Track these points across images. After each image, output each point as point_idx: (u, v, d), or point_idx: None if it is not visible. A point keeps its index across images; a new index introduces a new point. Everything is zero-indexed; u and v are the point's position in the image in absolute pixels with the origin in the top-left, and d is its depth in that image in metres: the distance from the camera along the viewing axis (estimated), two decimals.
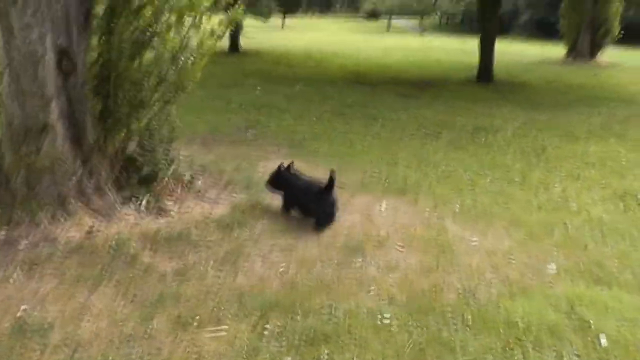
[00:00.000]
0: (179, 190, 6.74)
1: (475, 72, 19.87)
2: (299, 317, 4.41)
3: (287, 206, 6.49)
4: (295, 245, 5.65)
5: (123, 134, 6.18)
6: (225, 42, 26.08)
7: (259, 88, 14.82)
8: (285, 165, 6.61)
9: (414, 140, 10.45)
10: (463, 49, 30.46)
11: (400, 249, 5.67)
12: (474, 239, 5.97)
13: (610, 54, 29.25)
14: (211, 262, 5.24)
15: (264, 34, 39.68)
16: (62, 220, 5.73)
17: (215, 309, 4.47)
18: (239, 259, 5.33)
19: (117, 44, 5.84)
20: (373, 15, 63.42)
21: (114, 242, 5.46)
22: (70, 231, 5.62)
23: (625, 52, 30.70)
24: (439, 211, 6.71)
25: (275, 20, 51.59)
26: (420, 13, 56.10)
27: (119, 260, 5.19)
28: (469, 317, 4.48)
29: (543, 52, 30.97)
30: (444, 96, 16.10)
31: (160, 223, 5.98)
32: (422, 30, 51.58)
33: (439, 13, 57.09)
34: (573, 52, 29.25)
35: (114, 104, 5.97)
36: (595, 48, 28.93)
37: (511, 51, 26.44)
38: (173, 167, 6.81)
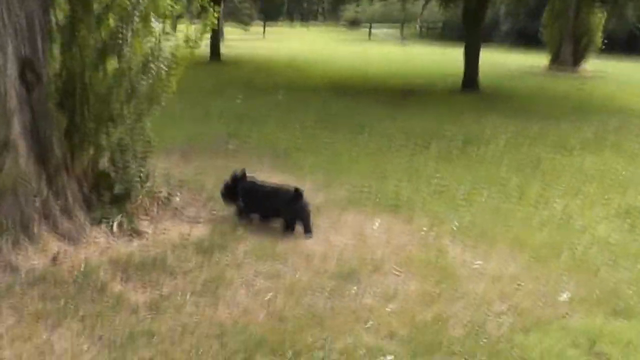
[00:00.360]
0: (155, 209, 6.24)
1: (459, 80, 19.50)
2: (289, 358, 3.90)
3: (247, 212, 6.29)
4: (282, 270, 5.16)
5: (92, 151, 5.65)
6: (206, 50, 25.61)
7: (239, 97, 14.27)
8: (239, 172, 6.46)
9: (402, 151, 9.98)
10: (445, 58, 30.13)
11: (398, 274, 5.19)
12: (477, 262, 5.50)
13: (594, 64, 29.05)
14: (189, 292, 4.72)
15: (246, 42, 39.25)
16: (24, 246, 5.19)
17: (193, 349, 3.95)
18: (220, 288, 4.82)
19: (79, 53, 5.30)
20: (354, 24, 63.23)
21: (81, 270, 4.94)
22: (33, 258, 5.09)
23: (609, 63, 30.45)
24: (436, 230, 6.25)
25: (257, 28, 51.24)
26: (401, 22, 55.88)
27: (86, 291, 4.66)
28: (483, 358, 3.98)
29: (525, 61, 30.67)
30: (430, 105, 15.70)
31: (134, 246, 5.47)
32: (404, 40, 51.38)
33: (419, 22, 56.93)
34: (556, 61, 29.05)
35: (80, 118, 5.46)
36: (578, 58, 28.77)
37: (493, 60, 26.01)
38: (148, 184, 6.30)
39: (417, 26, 57.04)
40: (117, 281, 4.84)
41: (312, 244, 5.71)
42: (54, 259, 5.12)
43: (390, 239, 5.94)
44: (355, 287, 4.90)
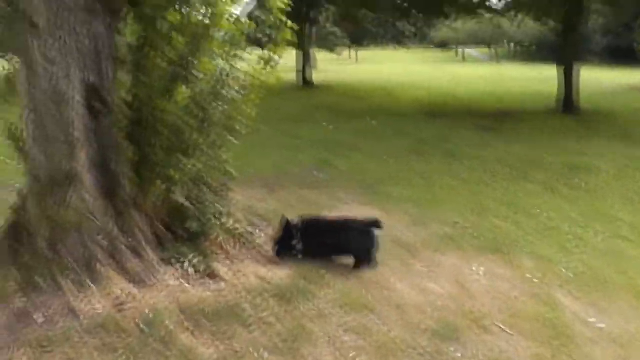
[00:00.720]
0: (233, 248, 5.72)
1: (555, 102, 18.46)
2: None
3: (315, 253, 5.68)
4: (371, 324, 4.53)
5: (163, 185, 5.17)
6: (296, 76, 25.41)
7: (330, 125, 13.77)
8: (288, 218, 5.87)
9: (500, 182, 9.20)
10: (538, 78, 28.92)
11: (504, 331, 4.48)
12: (594, 319, 4.74)
13: None
14: (265, 348, 4.16)
15: (337, 67, 38.95)
16: (88, 287, 4.75)
17: None
18: (301, 342, 4.25)
19: (148, 78, 4.84)
20: (443, 45, 62.47)
21: (147, 317, 4.43)
22: (95, 302, 4.63)
23: None
24: (545, 277, 5.50)
25: (348, 52, 51.03)
26: (490, 42, 54.78)
27: (150, 342, 4.17)
28: None
29: (622, 79, 29.03)
30: (526, 130, 14.75)
31: (207, 291, 4.94)
32: (497, 58, 50.37)
33: (508, 42, 55.67)
34: None
35: (150, 149, 4.97)
36: None
37: (588, 79, 24.75)
38: (226, 220, 5.77)
39: (508, 45, 55.83)
40: (186, 331, 4.33)
41: (405, 293, 5.06)
42: (119, 303, 4.64)
43: (494, 288, 5.24)
44: (454, 349, 4.24)
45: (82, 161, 4.80)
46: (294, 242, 5.61)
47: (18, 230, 5.16)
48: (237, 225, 5.94)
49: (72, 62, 4.74)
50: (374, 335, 4.37)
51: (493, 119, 16.56)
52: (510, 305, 4.88)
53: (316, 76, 27.92)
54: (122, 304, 4.63)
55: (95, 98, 4.85)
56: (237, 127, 5.36)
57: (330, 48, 46.73)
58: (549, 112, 17.95)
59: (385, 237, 6.25)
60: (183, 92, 4.85)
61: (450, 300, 4.94)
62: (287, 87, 25.32)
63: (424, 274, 5.46)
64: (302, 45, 27.35)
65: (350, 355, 4.12)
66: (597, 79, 28.03)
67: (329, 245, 5.66)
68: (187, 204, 5.43)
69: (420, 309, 4.75)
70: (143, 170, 5.04)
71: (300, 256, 5.57)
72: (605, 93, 23.79)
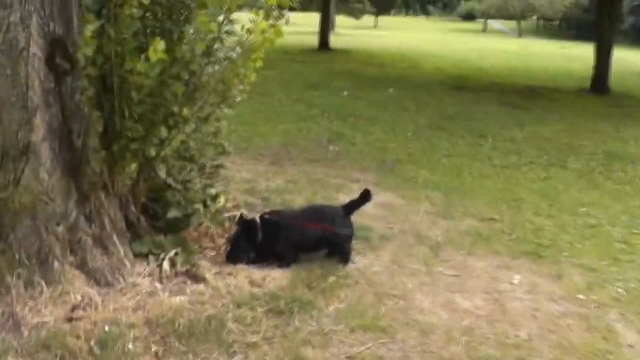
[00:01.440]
0: (223, 240, 4.78)
1: (585, 81, 17.47)
2: None
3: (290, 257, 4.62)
4: (387, 353, 3.58)
5: (138, 163, 4.21)
6: (314, 39, 24.44)
7: (345, 92, 12.73)
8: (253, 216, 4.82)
9: (535, 169, 8.20)
10: (566, 55, 27.72)
11: None
12: None
13: None
14: None
15: (356, 32, 37.76)
16: (40, 289, 3.83)
17: None
18: None
19: (116, 33, 3.84)
20: (468, 17, 61.08)
21: (103, 334, 3.50)
22: (45, 309, 3.72)
23: None
24: (596, 294, 4.53)
25: (368, 19, 49.76)
26: (518, 16, 53.40)
27: None
28: None
29: None
30: (558, 109, 13.73)
31: (185, 297, 4.01)
32: (521, 33, 49.08)
33: (535, 17, 54.32)
34: None
35: (120, 121, 3.99)
36: None
37: (618, 59, 23.45)
38: (217, 205, 4.82)
39: (537, 20, 54.57)
40: (149, 356, 3.40)
41: (430, 311, 4.10)
42: (72, 312, 3.71)
43: (537, 307, 4.27)
44: None
45: (39, 132, 3.85)
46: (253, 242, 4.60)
47: None
48: (230, 213, 4.99)
49: (31, 7, 3.77)
50: None
51: (521, 95, 15.54)
52: (560, 335, 3.91)
53: (335, 40, 26.94)
54: (76, 313, 3.70)
55: (59, 54, 3.88)
56: (234, 94, 4.33)
57: (354, 15, 45.63)
58: (579, 92, 16.97)
59: (407, 231, 5.35)
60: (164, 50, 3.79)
61: (486, 323, 3.98)
62: (305, 51, 24.34)
63: (451, 284, 4.51)
64: (321, 7, 26.37)
65: None
66: (628, 60, 26.84)
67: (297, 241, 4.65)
68: (170, 183, 4.49)
69: (449, 335, 3.79)
70: (115, 146, 4.05)
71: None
72: (634, 74, 22.65)
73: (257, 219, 4.61)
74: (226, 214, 5.05)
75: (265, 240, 4.56)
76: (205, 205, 4.64)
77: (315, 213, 4.87)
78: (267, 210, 5.05)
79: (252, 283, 4.22)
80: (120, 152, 4.03)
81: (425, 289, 4.40)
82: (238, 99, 4.34)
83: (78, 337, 3.47)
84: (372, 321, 3.88)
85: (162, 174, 4.43)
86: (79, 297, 3.83)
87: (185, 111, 4.08)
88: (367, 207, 5.67)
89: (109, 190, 4.16)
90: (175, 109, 4.00)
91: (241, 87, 4.28)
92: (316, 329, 3.75)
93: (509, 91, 16.29)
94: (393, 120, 10.83)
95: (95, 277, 4.01)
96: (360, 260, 4.77)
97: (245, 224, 4.61)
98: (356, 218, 5.32)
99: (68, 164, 4.01)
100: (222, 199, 4.91)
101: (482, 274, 4.73)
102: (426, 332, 3.80)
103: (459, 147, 9.19)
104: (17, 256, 3.87)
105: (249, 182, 6.50)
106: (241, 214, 4.81)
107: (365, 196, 4.94)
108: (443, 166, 7.95)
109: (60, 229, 3.98)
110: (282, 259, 4.56)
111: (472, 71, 20.33)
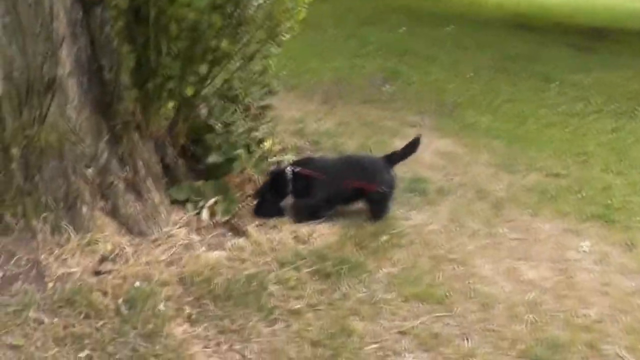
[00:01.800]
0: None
1: None
2: None
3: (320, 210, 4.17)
4: (445, 331, 3.19)
5: (175, 103, 3.81)
6: None
7: (402, 29, 12.11)
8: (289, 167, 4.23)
9: (603, 119, 7.56)
10: None
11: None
12: None
13: None
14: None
15: None
16: (67, 236, 3.51)
17: None
18: (340, 349, 2.93)
19: None
20: None
21: (133, 291, 3.18)
22: (71, 259, 3.40)
23: None
24: None
25: None
26: None
27: (128, 330, 2.91)
28: None
29: None
30: (627, 53, 12.84)
31: (224, 252, 3.66)
32: None
33: None
34: None
35: (155, 57, 3.57)
36: None
37: None
38: (262, 149, 4.43)
39: None
40: (181, 319, 3.07)
41: (492, 280, 3.69)
42: (100, 264, 3.39)
43: (607, 281, 3.80)
44: None
45: (67, 65, 3.48)
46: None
47: None
48: (277, 158, 4.61)
49: None
50: (446, 347, 3.04)
51: (588, 37, 14.64)
52: (634, 317, 3.46)
53: None
54: (104, 265, 3.38)
55: None
56: (282, 31, 3.88)
57: None
58: None
59: (467, 184, 4.92)
60: None
61: (552, 298, 3.55)
62: None
63: (515, 249, 4.08)
64: None
65: None
66: None
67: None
68: (212, 124, 4.10)
69: (512, 311, 3.38)
70: (149, 84, 3.64)
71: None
72: None
73: (288, 170, 4.17)
74: (272, 158, 4.65)
75: (295, 193, 4.17)
76: (249, 150, 4.24)
77: (352, 165, 4.37)
78: (308, 155, 4.64)
79: (297, 239, 3.86)
80: (156, 91, 3.63)
81: (486, 253, 3.98)
82: (286, 36, 3.89)
83: (105, 294, 3.16)
84: (428, 289, 3.48)
85: (204, 114, 4.03)
86: (108, 247, 3.51)
87: (225, 46, 3.64)
88: (425, 155, 5.30)
89: (143, 131, 3.80)
90: (214, 43, 3.56)
91: (289, 23, 3.82)
92: (366, 297, 3.37)
93: (575, 32, 15.40)
94: (452, 60, 10.21)
95: (127, 225, 3.69)
96: (416, 216, 4.35)
97: (274, 176, 4.20)
98: (413, 167, 4.95)
99: (98, 101, 3.66)
100: (267, 143, 4.50)
101: (547, 239, 4.28)
102: (487, 306, 3.40)
103: (522, 91, 8.59)
104: (43, 199, 3.57)
105: (298, 123, 6.10)
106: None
107: (412, 146, 4.40)
108: (505, 112, 7.41)
109: (90, 171, 3.66)
110: (313, 214, 4.14)
111: (535, 9, 19.33)
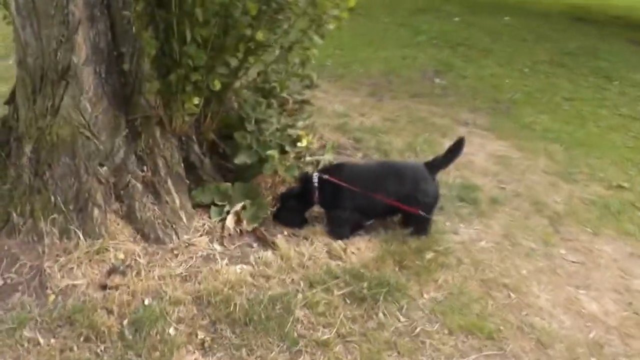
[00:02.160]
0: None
1: None
2: None
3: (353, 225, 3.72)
4: None
5: (201, 97, 3.42)
6: None
7: (456, 18, 11.59)
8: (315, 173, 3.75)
9: None
10: None
11: None
12: None
13: None
14: None
15: None
16: (75, 240, 3.17)
17: None
18: None
19: None
20: None
21: (141, 311, 2.81)
22: (77, 269, 3.05)
23: None
24: None
25: None
26: None
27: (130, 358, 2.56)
28: None
29: None
30: None
31: (247, 268, 3.28)
32: None
33: None
34: None
35: (178, 45, 3.17)
36: None
37: None
38: (298, 148, 4.03)
39: None
40: (192, 346, 2.70)
41: (549, 310, 3.24)
42: (108, 276, 3.03)
43: None
44: None
45: (82, 51, 3.12)
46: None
47: (6, 132, 3.63)
48: (314, 157, 4.20)
49: None
50: None
51: None
52: None
53: None
54: (112, 279, 3.02)
55: None
56: (327, 19, 3.44)
57: None
58: None
59: (522, 194, 4.47)
60: None
61: (619, 338, 3.10)
62: None
63: (575, 275, 3.62)
64: None
65: None
66: None
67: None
68: (237, 127, 3.70)
69: (573, 353, 2.94)
70: (172, 75, 3.25)
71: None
72: None
73: (315, 177, 3.71)
74: (309, 158, 4.25)
75: (322, 202, 3.72)
76: (282, 151, 3.83)
77: (388, 174, 3.79)
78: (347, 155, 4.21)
79: (330, 254, 3.45)
80: (179, 83, 3.23)
81: (542, 278, 3.53)
82: (331, 26, 3.45)
83: (110, 312, 2.82)
84: (477, 321, 3.05)
85: (233, 109, 3.64)
86: (120, 256, 3.16)
87: (260, 35, 3.23)
88: (477, 159, 4.87)
89: (165, 127, 3.42)
90: (248, 32, 3.15)
91: (336, 12, 3.38)
92: (405, 327, 2.96)
93: (636, 26, 14.68)
94: (509, 53, 9.66)
95: (142, 232, 3.34)
96: (465, 230, 3.92)
97: (300, 181, 3.78)
98: (463, 171, 4.51)
99: (116, 93, 3.31)
100: (304, 141, 4.08)
101: (611, 264, 3.81)
102: (544, 345, 2.96)
103: (582, 89, 8.03)
104: (52, 199, 3.25)
105: (341, 117, 5.69)
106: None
107: (455, 150, 3.80)
108: (564, 111, 6.89)
109: (104, 170, 3.31)
110: (338, 227, 3.69)
111: (595, 1, 18.57)
